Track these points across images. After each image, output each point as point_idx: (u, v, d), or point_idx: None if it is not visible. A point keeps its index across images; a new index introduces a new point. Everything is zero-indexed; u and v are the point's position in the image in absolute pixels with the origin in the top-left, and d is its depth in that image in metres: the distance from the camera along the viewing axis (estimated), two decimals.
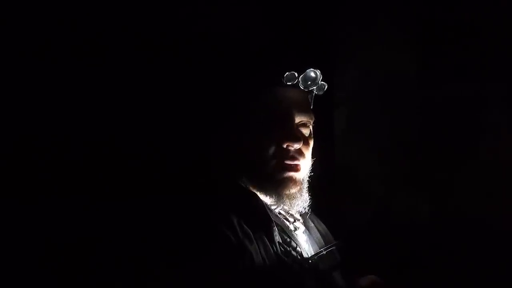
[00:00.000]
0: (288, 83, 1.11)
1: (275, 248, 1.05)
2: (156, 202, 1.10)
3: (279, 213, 1.17)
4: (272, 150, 1.10)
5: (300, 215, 1.23)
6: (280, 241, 1.08)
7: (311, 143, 1.17)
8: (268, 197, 1.13)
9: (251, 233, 1.02)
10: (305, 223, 1.23)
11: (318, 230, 1.26)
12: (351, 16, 1.71)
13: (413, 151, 1.65)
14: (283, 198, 1.12)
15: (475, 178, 1.55)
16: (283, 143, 1.10)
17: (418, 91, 1.63)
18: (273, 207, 1.16)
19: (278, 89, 1.12)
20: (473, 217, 1.51)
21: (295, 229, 1.18)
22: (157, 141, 1.34)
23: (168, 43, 1.37)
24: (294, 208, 1.15)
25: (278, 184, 1.11)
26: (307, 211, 1.18)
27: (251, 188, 1.14)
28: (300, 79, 1.12)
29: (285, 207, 1.18)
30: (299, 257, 1.09)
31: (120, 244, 1.03)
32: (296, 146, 1.11)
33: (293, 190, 1.13)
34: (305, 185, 1.17)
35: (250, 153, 1.11)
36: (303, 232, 1.20)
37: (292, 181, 1.12)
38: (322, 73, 1.14)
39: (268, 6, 1.50)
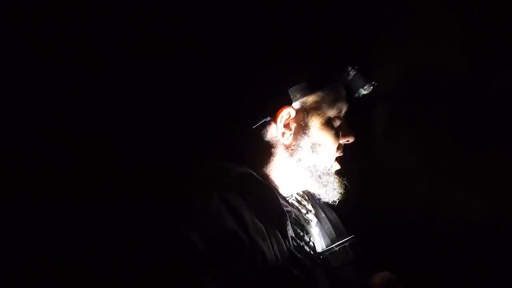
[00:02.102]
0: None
1: (287, 243, 1.03)
2: (159, 200, 1.03)
3: (292, 204, 1.15)
4: (335, 146, 1.14)
5: (312, 206, 1.22)
6: (293, 235, 1.06)
7: None
8: (321, 190, 1.15)
9: (264, 229, 0.99)
10: (316, 214, 1.22)
11: (330, 220, 1.24)
12: (391, 4, 1.62)
13: (461, 148, 1.55)
14: (337, 188, 1.16)
15: None
16: (343, 138, 1.16)
17: (466, 85, 1.52)
18: (289, 199, 1.16)
19: (331, 88, 1.14)
20: None
21: (308, 221, 1.17)
22: (171, 132, 1.31)
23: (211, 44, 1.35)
24: (334, 196, 1.16)
25: (334, 175, 1.16)
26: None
27: (269, 181, 1.11)
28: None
29: (299, 197, 1.21)
30: (311, 252, 1.08)
31: (128, 243, 0.99)
32: (352, 139, 1.17)
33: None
34: None
35: (308, 149, 1.12)
36: (315, 225, 1.19)
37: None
38: (361, 67, 1.14)
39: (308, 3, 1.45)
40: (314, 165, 1.13)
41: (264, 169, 1.13)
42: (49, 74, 1.21)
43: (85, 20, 1.24)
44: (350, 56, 1.11)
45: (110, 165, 1.24)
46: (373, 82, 1.15)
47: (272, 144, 1.12)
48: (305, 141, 1.11)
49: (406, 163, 1.64)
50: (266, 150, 1.12)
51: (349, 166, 1.22)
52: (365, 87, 1.15)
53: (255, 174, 1.08)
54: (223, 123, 1.18)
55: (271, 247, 0.99)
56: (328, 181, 1.14)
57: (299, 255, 1.03)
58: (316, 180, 1.14)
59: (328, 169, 1.15)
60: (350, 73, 1.12)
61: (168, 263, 0.91)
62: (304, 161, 1.12)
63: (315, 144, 1.12)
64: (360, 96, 1.17)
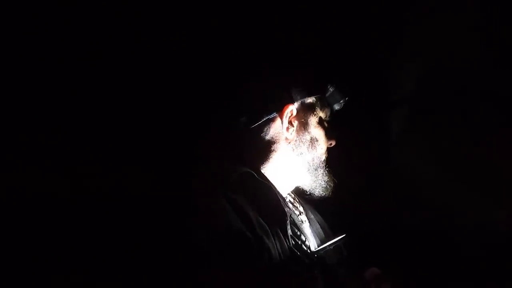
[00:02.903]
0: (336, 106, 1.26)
1: (287, 242, 1.06)
2: (162, 200, 1.02)
3: (288, 205, 1.20)
4: (328, 143, 1.26)
5: (302, 208, 1.29)
6: (291, 234, 1.09)
7: None
8: (315, 183, 1.24)
9: (268, 228, 1.02)
10: (306, 216, 1.28)
11: (317, 222, 1.30)
12: (410, 4, 1.57)
13: (480, 152, 1.49)
14: (328, 182, 1.25)
15: None
16: (329, 141, 1.26)
17: (487, 87, 1.48)
18: (286, 199, 1.22)
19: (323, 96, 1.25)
20: None
21: (302, 222, 1.22)
22: (172, 132, 1.31)
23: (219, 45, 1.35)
24: (325, 190, 1.25)
25: (327, 170, 1.25)
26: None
27: (269, 181, 1.14)
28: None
29: (291, 199, 1.27)
30: (308, 250, 1.12)
31: (132, 242, 0.98)
32: (334, 143, 1.27)
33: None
34: None
35: (308, 143, 1.21)
36: (308, 226, 1.24)
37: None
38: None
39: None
40: (313, 159, 1.22)
41: (264, 168, 1.17)
42: (48, 73, 1.20)
43: (84, 20, 1.23)
44: (366, 61, 1.08)
45: (112, 165, 1.23)
46: (346, 98, 1.26)
47: (274, 140, 1.18)
48: (306, 136, 1.21)
49: (420, 166, 1.60)
50: (267, 147, 1.18)
51: (362, 168, 1.29)
52: (340, 102, 1.26)
53: (255, 174, 1.11)
54: (223, 123, 1.20)
55: (275, 246, 1.01)
56: (322, 174, 1.24)
57: (298, 253, 1.06)
58: (312, 173, 1.24)
59: (323, 163, 1.25)
60: (330, 89, 1.24)
61: (175, 263, 0.90)
62: (305, 155, 1.21)
63: (314, 139, 1.22)
64: (335, 110, 1.29)
